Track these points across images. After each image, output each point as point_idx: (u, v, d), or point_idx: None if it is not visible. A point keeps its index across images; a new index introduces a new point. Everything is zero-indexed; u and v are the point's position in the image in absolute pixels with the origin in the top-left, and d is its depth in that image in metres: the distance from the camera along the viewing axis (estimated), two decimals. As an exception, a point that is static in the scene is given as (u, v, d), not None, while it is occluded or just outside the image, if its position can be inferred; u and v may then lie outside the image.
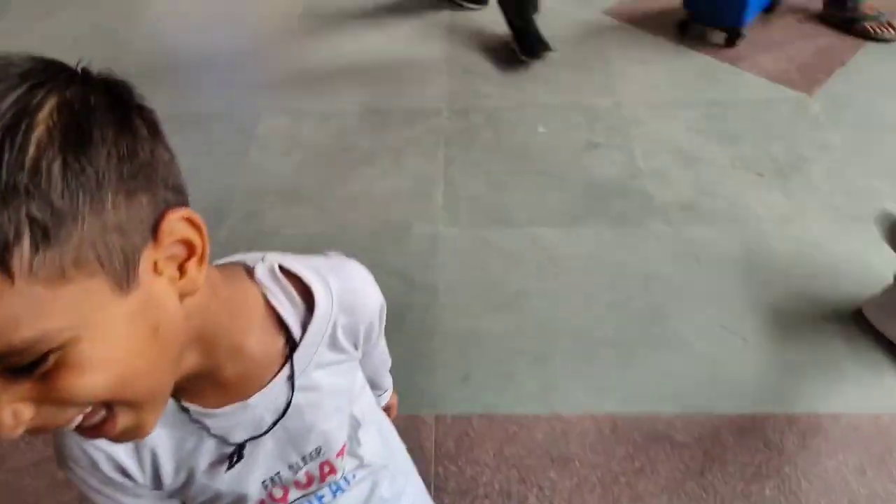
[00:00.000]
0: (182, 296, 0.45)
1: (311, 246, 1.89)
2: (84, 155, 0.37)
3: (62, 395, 0.40)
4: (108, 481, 0.60)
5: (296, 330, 0.59)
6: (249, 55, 2.72)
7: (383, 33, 2.79)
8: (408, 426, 1.51)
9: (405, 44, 2.74)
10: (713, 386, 1.58)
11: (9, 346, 0.36)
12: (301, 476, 0.67)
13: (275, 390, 0.59)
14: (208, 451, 0.60)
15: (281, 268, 0.60)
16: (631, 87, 2.43)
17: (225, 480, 0.62)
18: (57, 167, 0.36)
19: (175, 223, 0.43)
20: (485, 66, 2.59)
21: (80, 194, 0.37)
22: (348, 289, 0.62)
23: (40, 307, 0.36)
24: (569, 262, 1.86)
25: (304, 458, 0.66)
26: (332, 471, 0.69)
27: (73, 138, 0.37)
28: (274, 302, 0.58)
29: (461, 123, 2.33)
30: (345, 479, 0.72)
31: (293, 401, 0.60)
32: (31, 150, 0.35)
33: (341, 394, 0.66)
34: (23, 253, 0.35)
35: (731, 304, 1.74)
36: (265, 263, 0.60)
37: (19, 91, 0.37)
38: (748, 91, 2.38)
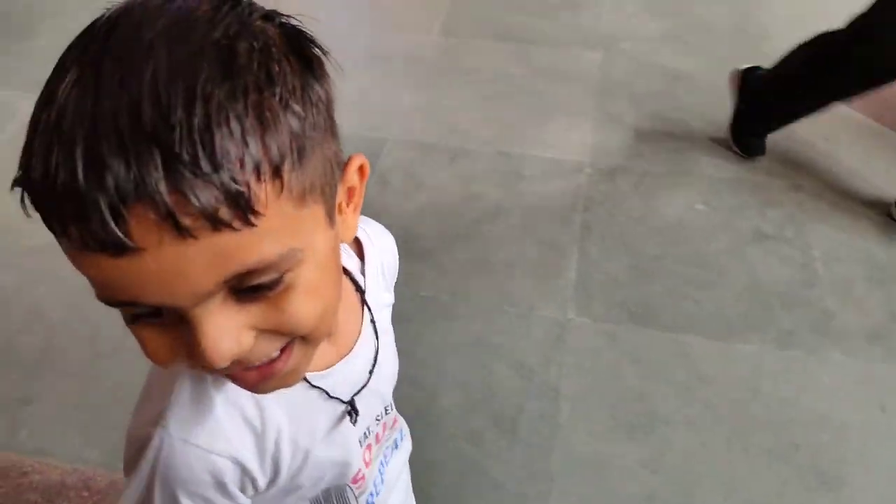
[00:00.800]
0: (339, 239, 0.46)
1: (425, 310, 1.71)
2: (313, 86, 0.39)
3: (291, 320, 0.40)
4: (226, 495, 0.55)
5: (358, 277, 0.61)
6: (380, 76, 2.53)
7: (528, 65, 2.53)
8: (508, 572, 1.28)
9: (550, 78, 2.47)
10: None
11: (260, 260, 0.37)
12: (379, 428, 0.66)
13: (366, 336, 0.59)
14: (323, 416, 0.59)
15: None
16: (815, 167, 2.06)
17: (334, 446, 0.60)
18: (298, 95, 0.37)
19: (352, 170, 0.46)
20: (640, 117, 2.28)
21: (314, 122, 0.39)
22: (377, 234, 0.66)
23: (290, 224, 0.38)
24: (721, 386, 1.55)
25: (385, 409, 0.66)
26: (395, 420, 0.69)
27: (302, 70, 0.38)
28: None
29: (605, 185, 2.04)
30: (400, 433, 0.73)
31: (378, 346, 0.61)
32: (284, 75, 0.37)
33: (393, 339, 0.68)
34: (287, 169, 0.37)
35: (929, 481, 1.38)
36: None
37: (246, 13, 0.38)
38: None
